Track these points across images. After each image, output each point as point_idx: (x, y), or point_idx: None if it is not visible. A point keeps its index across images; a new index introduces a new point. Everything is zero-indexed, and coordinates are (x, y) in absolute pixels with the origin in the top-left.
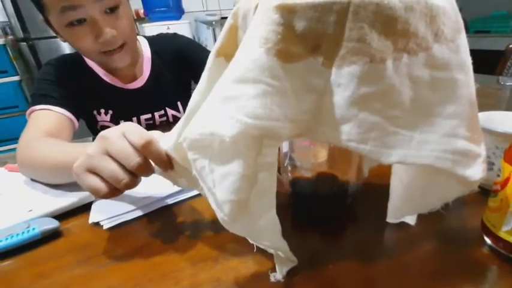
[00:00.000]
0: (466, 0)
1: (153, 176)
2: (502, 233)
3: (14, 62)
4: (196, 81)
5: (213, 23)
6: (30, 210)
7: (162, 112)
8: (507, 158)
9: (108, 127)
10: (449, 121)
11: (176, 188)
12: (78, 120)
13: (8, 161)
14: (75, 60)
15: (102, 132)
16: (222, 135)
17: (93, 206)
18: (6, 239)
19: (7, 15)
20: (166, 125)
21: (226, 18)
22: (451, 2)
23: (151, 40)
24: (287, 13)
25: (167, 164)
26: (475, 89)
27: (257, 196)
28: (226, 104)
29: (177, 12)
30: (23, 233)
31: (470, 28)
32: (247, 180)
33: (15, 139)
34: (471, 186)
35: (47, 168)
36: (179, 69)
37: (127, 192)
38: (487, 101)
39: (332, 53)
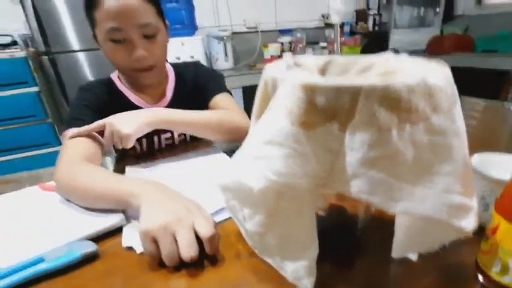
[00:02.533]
0: (473, 19)
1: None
2: (493, 274)
3: (34, 74)
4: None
5: (224, 38)
6: (71, 232)
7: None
8: (498, 208)
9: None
10: (446, 179)
11: (214, 209)
12: None
13: (42, 178)
14: (106, 85)
15: (174, 213)
16: (251, 186)
17: (124, 229)
18: (50, 261)
19: (30, 28)
20: (184, 144)
21: (237, 33)
22: (448, 78)
23: (176, 66)
24: (310, 91)
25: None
26: (481, 107)
27: (284, 230)
28: (256, 161)
29: (191, 28)
30: (64, 255)
31: (478, 47)
32: (272, 218)
33: (31, 146)
34: (465, 233)
35: (91, 196)
36: (197, 94)
37: None
38: (490, 126)
39: (346, 121)
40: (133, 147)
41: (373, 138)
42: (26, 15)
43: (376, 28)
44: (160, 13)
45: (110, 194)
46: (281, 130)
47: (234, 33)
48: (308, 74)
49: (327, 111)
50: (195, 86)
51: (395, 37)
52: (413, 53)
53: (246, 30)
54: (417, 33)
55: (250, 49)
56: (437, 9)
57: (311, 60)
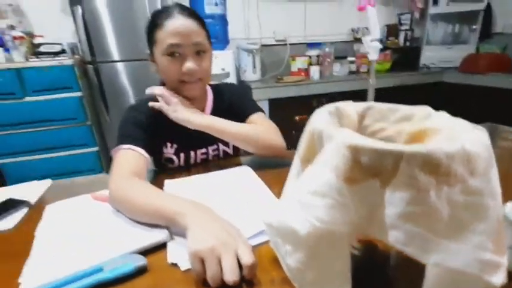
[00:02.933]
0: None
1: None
2: None
3: (79, 80)
4: None
5: (254, 51)
6: (122, 245)
7: (215, 147)
8: None
9: (171, 159)
10: (479, 236)
11: (255, 230)
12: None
13: (93, 186)
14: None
15: (220, 237)
16: (296, 229)
17: (169, 245)
18: (109, 271)
19: (79, 39)
20: (217, 160)
21: (266, 45)
22: (485, 143)
23: (214, 86)
24: (355, 151)
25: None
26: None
27: (322, 268)
28: (302, 208)
29: (224, 43)
30: (120, 267)
31: None
32: (311, 258)
33: (71, 146)
34: (494, 287)
35: (140, 212)
36: (233, 112)
37: None
38: None
39: (388, 180)
40: (172, 161)
41: (412, 196)
42: (76, 27)
43: (407, 44)
44: (209, 38)
45: (158, 211)
46: (326, 183)
47: (263, 45)
48: (353, 133)
49: (370, 169)
50: (231, 105)
51: (427, 53)
52: (445, 70)
53: (274, 42)
54: (451, 50)
55: (277, 61)
56: (474, 26)
57: (351, 106)
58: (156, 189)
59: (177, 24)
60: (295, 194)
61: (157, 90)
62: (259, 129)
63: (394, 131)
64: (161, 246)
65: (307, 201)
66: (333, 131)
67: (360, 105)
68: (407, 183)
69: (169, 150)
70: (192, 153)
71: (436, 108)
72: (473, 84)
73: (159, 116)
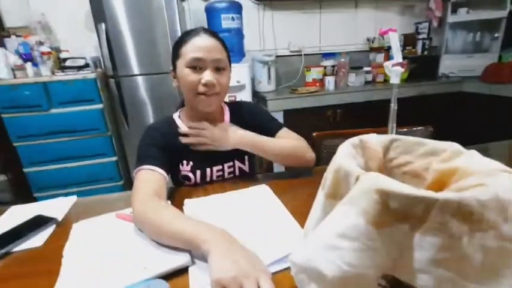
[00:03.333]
0: None
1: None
2: None
3: (101, 93)
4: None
5: (269, 62)
6: (145, 268)
7: (231, 163)
8: None
9: (187, 176)
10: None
11: (275, 257)
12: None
13: (116, 204)
14: (168, 123)
15: (242, 266)
16: (324, 274)
17: (190, 270)
18: None
19: (101, 54)
20: (233, 178)
21: (280, 56)
22: None
23: (231, 104)
24: (385, 196)
25: None
26: None
27: None
28: (330, 250)
29: (240, 55)
30: None
31: None
32: None
33: (94, 155)
34: None
35: (163, 234)
36: (253, 129)
37: None
38: None
39: (417, 225)
40: (188, 178)
41: (444, 242)
42: (100, 42)
43: (425, 52)
44: (229, 58)
45: (181, 235)
46: (354, 226)
47: (278, 56)
48: (382, 176)
49: (400, 214)
50: (252, 122)
51: (447, 62)
52: (466, 79)
53: (289, 53)
54: (471, 59)
55: (292, 72)
56: (496, 34)
57: (375, 138)
58: (179, 212)
59: (201, 40)
60: (321, 233)
61: (183, 130)
62: (295, 143)
63: (421, 165)
64: (183, 270)
65: (335, 244)
66: (361, 172)
67: (384, 138)
68: (438, 229)
69: (185, 168)
70: (208, 170)
71: (457, 118)
72: (496, 94)
73: (176, 134)
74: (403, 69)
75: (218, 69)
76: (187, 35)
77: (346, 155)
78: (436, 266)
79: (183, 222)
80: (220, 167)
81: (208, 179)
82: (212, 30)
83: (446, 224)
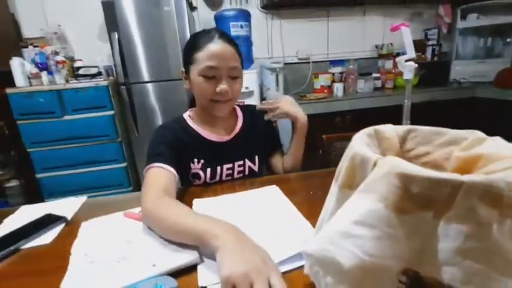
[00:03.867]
0: None
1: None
2: None
3: (112, 100)
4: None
5: (277, 69)
6: (154, 265)
7: (241, 162)
8: None
9: (197, 174)
10: None
11: (286, 255)
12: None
13: (125, 204)
14: (179, 123)
15: (253, 263)
16: (342, 263)
17: (199, 268)
18: None
19: (114, 62)
20: (242, 177)
21: (289, 63)
22: None
23: (243, 107)
24: (406, 180)
25: None
26: None
27: None
28: (346, 238)
29: (248, 62)
30: None
31: None
32: None
33: (105, 161)
34: None
35: (172, 231)
36: (263, 130)
37: None
38: None
39: (442, 212)
40: (198, 176)
41: (471, 230)
42: (112, 51)
43: (435, 59)
44: (242, 63)
45: (189, 231)
46: (374, 212)
47: (286, 63)
48: (402, 160)
49: (422, 199)
50: (265, 130)
51: (457, 68)
52: (478, 85)
53: (297, 60)
54: (483, 65)
55: (300, 79)
56: (508, 39)
57: (391, 129)
58: (188, 208)
59: (217, 48)
60: (337, 222)
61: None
62: None
63: (441, 155)
64: (191, 268)
65: (352, 231)
66: (379, 157)
67: (400, 128)
68: (465, 216)
69: (196, 166)
70: (219, 168)
71: (469, 124)
72: (510, 99)
73: (186, 133)
74: (416, 65)
75: (232, 77)
76: (201, 39)
77: (362, 143)
78: (463, 257)
79: (194, 217)
80: (230, 165)
81: (218, 177)
82: (226, 34)
83: (474, 209)
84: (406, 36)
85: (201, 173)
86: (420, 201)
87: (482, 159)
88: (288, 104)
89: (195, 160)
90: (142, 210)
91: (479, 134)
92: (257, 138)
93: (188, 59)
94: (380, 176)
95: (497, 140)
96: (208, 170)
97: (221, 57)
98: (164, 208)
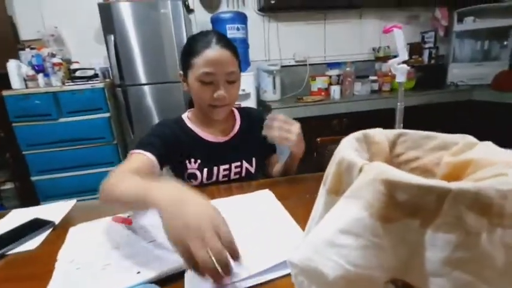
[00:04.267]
0: None
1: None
2: None
3: (108, 102)
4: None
5: (274, 72)
6: (139, 273)
7: (238, 164)
8: None
9: (194, 174)
10: None
11: (276, 261)
12: (162, 168)
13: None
14: (177, 122)
15: (194, 226)
16: (326, 273)
17: (186, 275)
18: None
19: (110, 64)
20: (239, 179)
21: (286, 66)
22: None
23: (242, 109)
24: (391, 186)
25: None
26: None
27: None
28: (331, 248)
29: (245, 65)
30: None
31: None
32: None
33: (100, 164)
34: None
35: (120, 198)
36: (260, 132)
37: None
38: None
39: (429, 220)
40: (195, 176)
41: (460, 239)
42: (108, 53)
43: (432, 61)
44: (240, 66)
45: (134, 199)
46: (359, 221)
47: (283, 66)
48: (388, 166)
49: (408, 207)
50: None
51: (455, 71)
52: (475, 87)
53: (294, 63)
54: (480, 67)
55: (297, 81)
56: (505, 42)
57: (381, 133)
58: (138, 177)
59: (214, 54)
60: (322, 230)
61: (268, 123)
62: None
63: (431, 160)
64: (178, 275)
65: (336, 241)
66: (365, 162)
67: (390, 132)
68: (453, 224)
69: (192, 166)
70: (215, 169)
71: (466, 127)
72: (507, 102)
73: (184, 132)
74: (408, 67)
75: (229, 82)
76: (198, 44)
77: (349, 147)
78: (452, 267)
79: (136, 184)
80: (227, 166)
81: (214, 178)
82: (224, 37)
83: (462, 218)
84: (399, 38)
85: (198, 173)
86: (406, 209)
87: (472, 165)
88: (298, 133)
89: (192, 160)
90: (100, 187)
91: (470, 138)
92: (254, 140)
93: (186, 64)
94: (365, 183)
95: (488, 145)
96: (205, 170)
97: (218, 63)
98: (116, 179)
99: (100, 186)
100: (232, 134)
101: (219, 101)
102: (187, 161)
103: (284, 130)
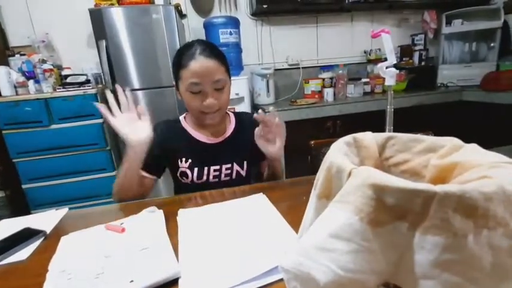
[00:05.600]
0: None
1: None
2: None
3: None
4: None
5: (268, 75)
6: (132, 281)
7: (229, 166)
8: None
9: (185, 172)
10: None
11: (270, 266)
12: (159, 176)
13: (108, 215)
14: (173, 123)
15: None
16: (317, 279)
17: (180, 283)
18: None
19: (102, 69)
20: (229, 180)
21: (279, 70)
22: None
23: (238, 114)
24: (379, 191)
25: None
26: None
27: None
28: (322, 252)
29: (238, 69)
30: None
31: None
32: None
33: (93, 171)
34: None
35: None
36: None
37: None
38: None
39: (417, 223)
40: (186, 174)
41: (447, 242)
42: (100, 58)
43: (423, 63)
44: (228, 71)
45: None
46: (349, 226)
47: (276, 69)
48: (376, 171)
49: (397, 211)
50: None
51: (444, 72)
52: (465, 88)
53: (287, 66)
54: (469, 69)
55: (291, 84)
56: (492, 44)
57: (370, 137)
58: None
59: (198, 65)
60: (312, 235)
61: (257, 116)
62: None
63: (419, 163)
64: (172, 283)
65: (327, 245)
66: (354, 167)
67: (379, 136)
68: (440, 227)
69: (184, 164)
70: (206, 169)
71: (457, 126)
72: (496, 102)
73: (178, 133)
74: (397, 71)
75: (218, 89)
76: (184, 57)
77: (339, 152)
78: (441, 269)
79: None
80: (218, 167)
81: (205, 178)
82: (208, 47)
83: (449, 220)
84: (387, 42)
85: (189, 172)
86: (395, 213)
87: (458, 167)
88: (281, 130)
89: (183, 159)
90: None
91: (456, 141)
92: (247, 144)
93: (176, 75)
94: (354, 187)
95: (474, 147)
96: (196, 169)
97: (203, 74)
98: (116, 182)
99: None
100: (224, 137)
101: (209, 108)
102: (179, 160)
103: (268, 131)
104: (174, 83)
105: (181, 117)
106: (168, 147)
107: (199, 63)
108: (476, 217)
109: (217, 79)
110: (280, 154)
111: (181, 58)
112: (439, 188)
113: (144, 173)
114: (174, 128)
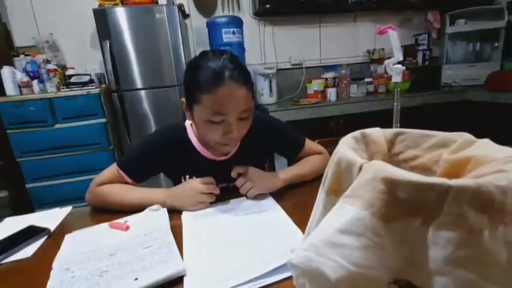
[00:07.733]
0: None
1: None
2: None
3: (104, 107)
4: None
5: (270, 75)
6: (136, 279)
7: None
8: None
9: None
10: None
11: (278, 263)
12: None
13: (111, 214)
14: (180, 132)
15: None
16: (327, 275)
17: (185, 280)
18: None
19: (106, 70)
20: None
21: (282, 69)
22: None
23: None
24: (392, 185)
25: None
26: None
27: None
28: (332, 248)
29: None
30: None
31: None
32: None
33: (96, 170)
34: None
35: (127, 204)
36: (262, 145)
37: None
38: None
39: (430, 219)
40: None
41: (462, 237)
42: (104, 58)
43: (426, 63)
44: (253, 95)
45: (139, 204)
46: (360, 220)
47: (279, 69)
48: (388, 165)
49: (409, 206)
50: (269, 139)
51: (448, 72)
52: (470, 88)
53: (290, 66)
54: (473, 68)
55: (293, 84)
56: (496, 44)
57: (379, 132)
58: (125, 185)
59: (227, 93)
60: (322, 230)
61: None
62: (321, 159)
63: (430, 158)
64: (177, 281)
65: (338, 241)
66: (364, 161)
67: (388, 131)
68: (454, 222)
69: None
70: None
71: (462, 127)
72: (501, 101)
73: (182, 143)
74: (403, 68)
75: (242, 118)
76: (208, 77)
77: (348, 147)
78: (455, 266)
79: (133, 192)
80: (224, 184)
81: None
82: (238, 65)
83: (463, 215)
84: (393, 39)
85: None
86: (407, 208)
87: (471, 162)
88: (259, 182)
89: (187, 176)
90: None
91: (468, 136)
92: (255, 156)
93: (191, 95)
94: (365, 181)
95: (487, 142)
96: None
97: (232, 103)
98: (112, 189)
99: (91, 192)
100: (232, 153)
101: (232, 141)
102: (182, 177)
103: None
104: (183, 100)
105: (187, 124)
106: (169, 165)
107: (229, 90)
108: (492, 212)
109: (245, 108)
110: (271, 189)
111: (203, 77)
112: (453, 182)
113: (127, 178)
114: (181, 140)
